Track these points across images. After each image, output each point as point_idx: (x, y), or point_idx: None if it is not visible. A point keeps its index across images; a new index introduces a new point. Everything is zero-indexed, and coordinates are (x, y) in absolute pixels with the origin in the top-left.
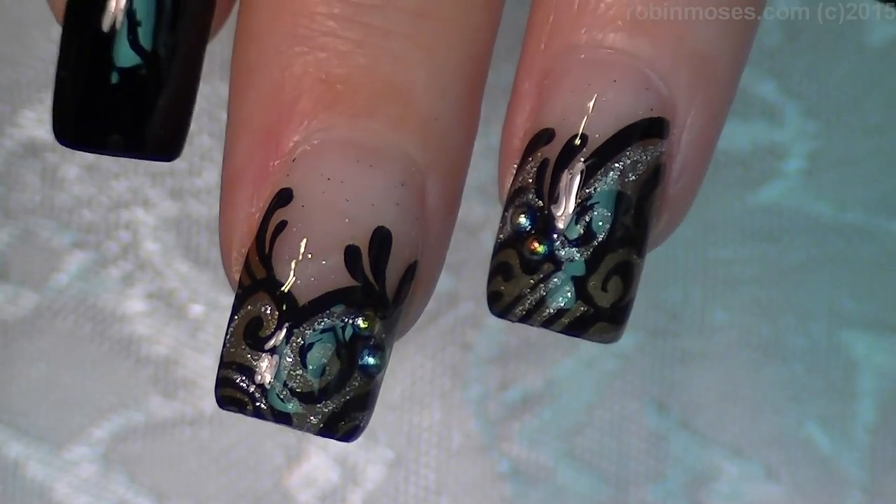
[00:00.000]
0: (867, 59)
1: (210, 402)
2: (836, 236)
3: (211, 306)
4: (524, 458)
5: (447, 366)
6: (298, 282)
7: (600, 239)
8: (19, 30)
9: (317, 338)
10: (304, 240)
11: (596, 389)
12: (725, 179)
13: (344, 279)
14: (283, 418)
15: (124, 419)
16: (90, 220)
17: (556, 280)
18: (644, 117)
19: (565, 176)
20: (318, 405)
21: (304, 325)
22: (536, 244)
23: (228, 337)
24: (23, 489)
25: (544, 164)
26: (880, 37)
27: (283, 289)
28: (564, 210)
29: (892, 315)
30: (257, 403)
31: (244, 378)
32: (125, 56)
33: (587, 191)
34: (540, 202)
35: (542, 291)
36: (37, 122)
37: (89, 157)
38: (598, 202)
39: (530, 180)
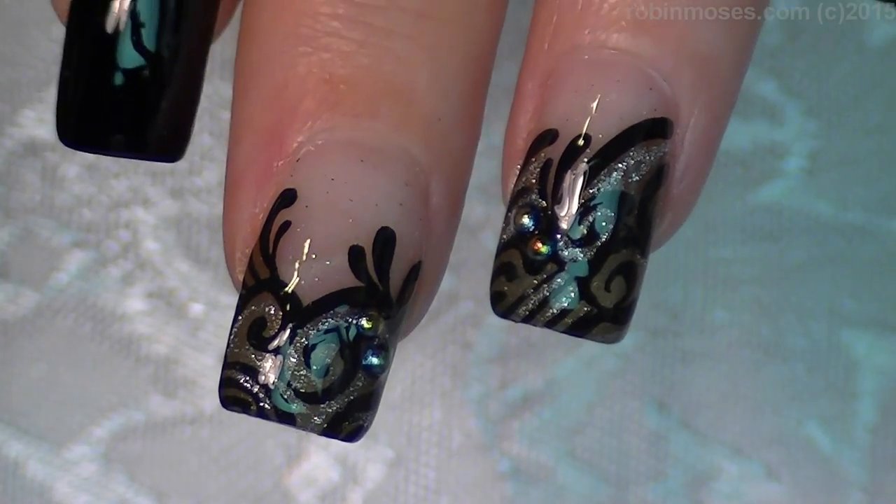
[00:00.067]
0: (867, 58)
1: (210, 402)
2: (837, 236)
3: (211, 305)
4: (524, 457)
5: (447, 365)
6: (302, 282)
7: (603, 239)
8: (19, 29)
9: (320, 338)
10: (308, 240)
11: (596, 389)
12: (726, 179)
13: (348, 279)
14: (286, 419)
15: (124, 418)
16: (90, 220)
17: (559, 280)
18: (647, 118)
19: (569, 176)
20: (322, 405)
21: (308, 326)
22: (540, 244)
23: (232, 337)
24: (23, 488)
25: (548, 164)
26: (880, 36)
27: (286, 289)
28: (568, 210)
29: (892, 315)
30: (261, 404)
31: (248, 378)
32: (128, 57)
33: (590, 191)
34: (543, 202)
35: (545, 292)
36: (37, 121)
37: (89, 157)
38: (601, 202)
39: (534, 181)
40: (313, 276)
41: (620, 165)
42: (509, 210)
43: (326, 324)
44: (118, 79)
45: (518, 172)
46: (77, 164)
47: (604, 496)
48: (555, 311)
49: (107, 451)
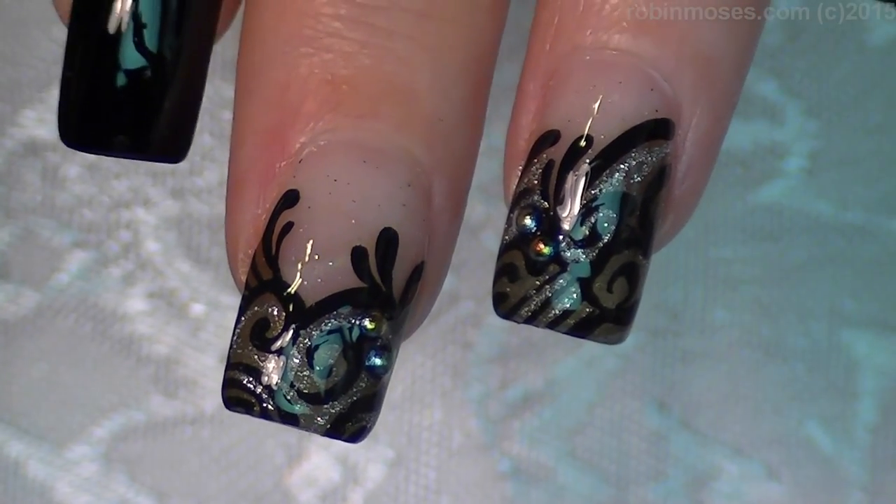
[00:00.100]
0: (867, 58)
1: (211, 402)
2: (837, 236)
3: (212, 306)
4: (525, 457)
5: (448, 365)
6: (305, 283)
7: (606, 240)
8: (20, 29)
9: (323, 339)
10: (311, 241)
11: (597, 389)
12: (726, 179)
13: (350, 280)
14: (290, 419)
15: (125, 418)
16: (91, 220)
17: (561, 281)
18: (649, 118)
19: (571, 177)
20: (325, 406)
21: (311, 327)
22: (542, 245)
23: (235, 338)
24: (24, 488)
25: (550, 165)
26: (880, 36)
27: (289, 290)
28: (570, 211)
29: (892, 315)
30: (264, 404)
31: (251, 379)
32: (131, 58)
33: (592, 192)
34: (545, 203)
35: (547, 293)
36: (37, 121)
37: (90, 157)
38: (603, 203)
39: (536, 181)
40: (316, 276)
41: (622, 166)
42: (511, 211)
43: (329, 324)
44: (120, 80)
45: (520, 173)
46: (78, 165)
47: (604, 496)
48: (557, 311)
49: (107, 451)
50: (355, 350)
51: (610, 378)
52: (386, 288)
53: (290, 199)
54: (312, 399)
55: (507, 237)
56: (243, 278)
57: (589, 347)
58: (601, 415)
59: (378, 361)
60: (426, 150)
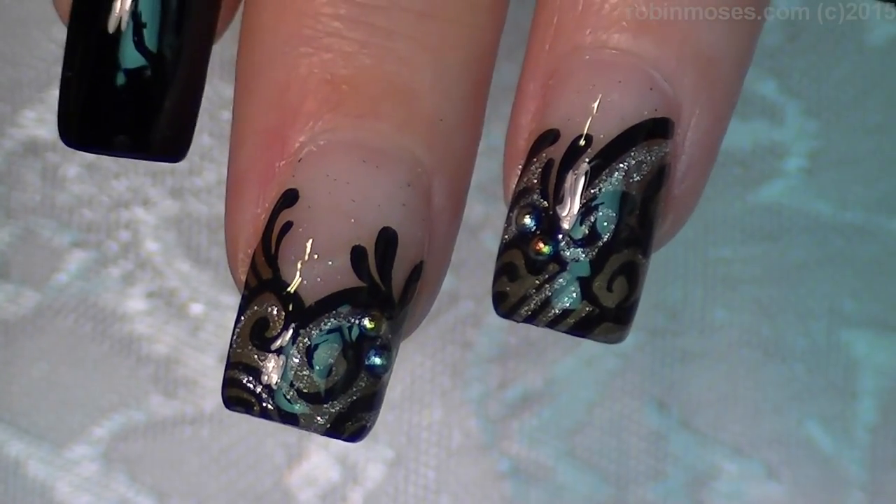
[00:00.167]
0: (867, 58)
1: (210, 401)
2: (837, 235)
3: (211, 305)
4: (524, 457)
5: (447, 365)
6: (305, 282)
7: (605, 239)
8: (20, 29)
9: (323, 338)
10: (310, 240)
11: (596, 388)
12: (726, 178)
13: (350, 280)
14: (289, 419)
15: (125, 418)
16: (91, 220)
17: (561, 280)
18: (649, 118)
19: (570, 176)
20: (325, 405)
21: (311, 326)
22: (541, 245)
23: (235, 338)
24: (24, 488)
25: (549, 164)
26: (880, 36)
27: (289, 289)
28: (569, 210)
29: (892, 314)
30: (264, 404)
31: (251, 379)
32: (130, 57)
33: (592, 191)
34: (545, 203)
35: (547, 292)
36: (37, 121)
37: (89, 157)
38: (602, 203)
39: (535, 181)
40: (315, 276)
41: (622, 165)
42: (511, 210)
43: (329, 324)
44: (120, 79)
45: (519, 173)
46: (77, 165)
47: (604, 496)
48: (557, 311)
49: (107, 450)
50: (355, 349)
51: (609, 378)
52: (385, 287)
53: (289, 198)
54: (312, 398)
55: (506, 236)
56: (243, 278)
57: (588, 347)
58: (600, 414)
59: (378, 361)
60: (426, 149)
